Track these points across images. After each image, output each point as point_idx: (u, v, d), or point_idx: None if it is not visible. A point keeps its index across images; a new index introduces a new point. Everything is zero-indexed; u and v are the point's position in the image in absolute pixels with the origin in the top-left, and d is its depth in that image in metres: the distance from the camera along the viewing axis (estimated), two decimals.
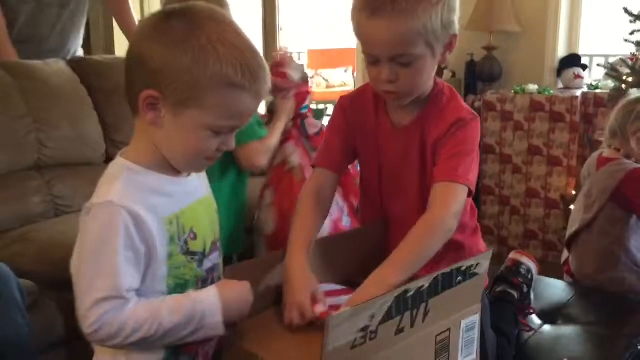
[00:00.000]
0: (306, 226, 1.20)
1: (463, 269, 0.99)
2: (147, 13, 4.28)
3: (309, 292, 1.09)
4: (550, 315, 1.55)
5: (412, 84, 1.14)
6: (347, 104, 1.28)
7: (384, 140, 1.24)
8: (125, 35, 2.81)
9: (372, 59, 1.14)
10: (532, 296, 1.51)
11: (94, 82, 2.48)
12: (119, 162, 0.98)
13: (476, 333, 1.05)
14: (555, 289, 1.72)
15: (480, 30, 3.46)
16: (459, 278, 0.99)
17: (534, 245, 3.21)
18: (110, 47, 3.74)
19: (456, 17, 1.14)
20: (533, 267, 1.66)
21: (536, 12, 3.44)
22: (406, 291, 0.91)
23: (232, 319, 1.00)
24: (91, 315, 0.90)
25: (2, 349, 1.42)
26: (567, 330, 1.47)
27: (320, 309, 1.07)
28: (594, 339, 1.42)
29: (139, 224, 0.92)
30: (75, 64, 2.51)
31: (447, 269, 0.97)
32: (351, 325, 0.87)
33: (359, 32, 1.14)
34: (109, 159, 2.48)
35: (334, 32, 6.53)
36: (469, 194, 1.14)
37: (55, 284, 1.72)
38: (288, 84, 1.81)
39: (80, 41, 2.87)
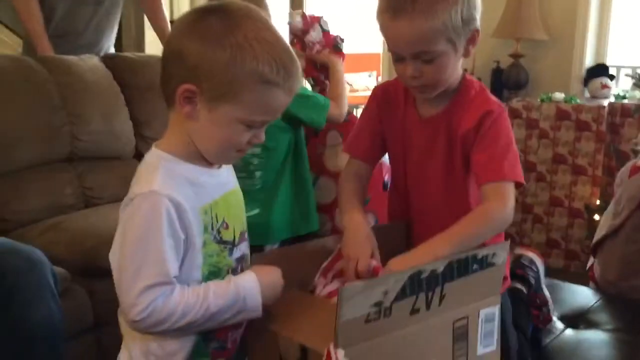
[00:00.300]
0: (357, 193, 1.28)
1: (479, 257, 0.99)
2: (176, 12, 4.34)
3: (369, 248, 1.16)
4: (573, 319, 1.56)
5: (436, 79, 1.18)
6: (380, 94, 1.33)
7: (411, 131, 1.27)
8: (157, 34, 2.87)
9: (397, 57, 1.19)
10: (545, 290, 1.49)
11: (127, 79, 2.54)
12: (155, 153, 1.02)
13: (496, 325, 1.06)
14: (578, 295, 1.73)
15: (507, 37, 3.46)
16: (475, 266, 0.99)
17: (556, 254, 3.19)
18: (141, 46, 3.81)
19: (478, 13, 1.17)
20: (535, 257, 1.64)
21: (564, 20, 3.44)
22: (420, 272, 0.93)
23: (268, 302, 1.03)
24: (140, 302, 0.92)
25: (34, 332, 1.46)
26: (589, 335, 1.48)
27: (374, 263, 1.13)
28: (616, 345, 1.43)
29: (180, 212, 0.95)
30: (109, 60, 2.57)
31: (462, 255, 0.98)
32: (365, 298, 0.88)
33: (384, 32, 1.19)
34: (138, 154, 2.53)
35: (359, 37, 6.55)
36: (520, 185, 1.18)
37: (86, 272, 1.77)
38: (317, 43, 1.87)
39: (114, 39, 2.94)
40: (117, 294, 0.96)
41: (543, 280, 1.49)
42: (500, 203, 1.15)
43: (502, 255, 1.02)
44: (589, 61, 3.47)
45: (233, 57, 0.93)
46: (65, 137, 2.26)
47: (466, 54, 1.19)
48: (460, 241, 1.11)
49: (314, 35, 1.89)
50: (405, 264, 1.05)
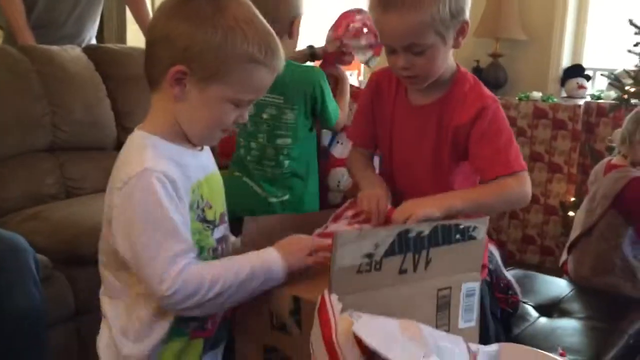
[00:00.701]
0: (368, 165, 1.41)
1: (461, 227, 1.02)
2: (157, 3, 4.33)
3: (386, 190, 1.25)
4: (547, 309, 1.60)
5: (426, 70, 1.22)
6: (373, 81, 1.38)
7: (401, 117, 1.32)
8: (139, 25, 2.86)
9: (389, 49, 1.23)
10: (506, 274, 1.49)
11: (109, 70, 2.54)
12: (139, 134, 1.03)
13: (475, 300, 1.08)
14: (552, 285, 1.77)
15: (486, 37, 3.52)
16: (457, 236, 1.02)
17: (531, 250, 3.26)
18: (122, 37, 3.79)
19: (466, 6, 1.21)
20: (490, 246, 1.67)
21: (543, 21, 3.50)
22: (407, 230, 0.97)
23: (292, 268, 1.06)
24: (167, 276, 0.93)
25: (17, 317, 1.46)
26: (562, 323, 1.52)
27: (389, 206, 1.20)
28: (588, 332, 1.47)
29: (175, 188, 0.97)
30: (91, 51, 2.56)
31: (446, 223, 1.02)
32: (357, 248, 0.92)
33: (376, 25, 1.25)
34: (119, 145, 2.51)
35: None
36: None
37: (67, 260, 1.78)
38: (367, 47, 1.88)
39: (95, 30, 2.93)
40: (142, 279, 0.96)
41: (501, 265, 1.51)
42: (519, 183, 1.21)
43: (481, 229, 1.05)
44: (566, 62, 3.54)
45: (224, 38, 0.96)
46: (46, 127, 2.25)
47: (456, 45, 1.23)
48: (475, 203, 1.18)
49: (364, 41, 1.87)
50: (419, 204, 1.13)
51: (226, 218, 1.13)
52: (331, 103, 1.72)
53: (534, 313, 1.57)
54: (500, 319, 1.41)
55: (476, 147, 1.23)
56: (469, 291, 1.07)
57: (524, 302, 1.61)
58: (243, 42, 0.97)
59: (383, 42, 1.24)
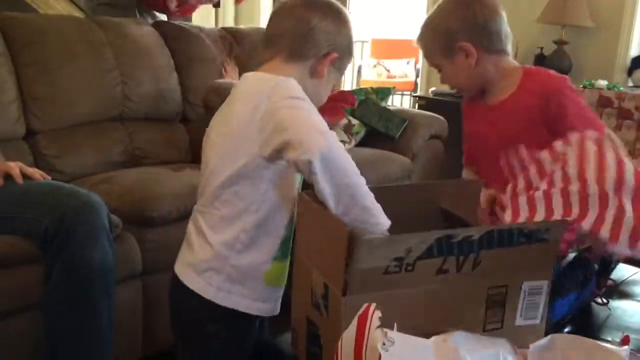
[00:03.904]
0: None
1: (527, 231, 1.02)
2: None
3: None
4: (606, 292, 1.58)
5: (453, 82, 1.58)
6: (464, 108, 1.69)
7: (480, 118, 1.59)
8: None
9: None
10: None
11: (178, 46, 2.62)
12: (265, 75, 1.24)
13: (543, 299, 1.07)
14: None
15: (552, 23, 3.45)
16: (522, 239, 1.02)
17: None
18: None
19: (456, 33, 1.48)
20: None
21: (611, 8, 3.41)
22: (450, 236, 0.96)
23: None
24: (323, 138, 1.07)
25: (91, 270, 1.55)
26: (622, 304, 1.51)
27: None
28: None
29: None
30: (161, 27, 2.66)
31: (506, 227, 1.01)
32: (385, 252, 0.93)
33: None
34: (184, 118, 2.62)
35: (398, 23, 6.55)
36: None
37: (136, 221, 1.86)
38: None
39: None
40: (299, 144, 1.06)
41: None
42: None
43: (556, 232, 1.04)
44: (634, 51, 3.45)
45: (350, 33, 1.29)
46: (117, 97, 2.35)
47: (477, 63, 1.50)
48: None
49: None
50: None
51: None
52: None
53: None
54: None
55: (552, 127, 1.45)
56: (533, 289, 1.07)
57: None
58: (351, 36, 1.30)
59: None
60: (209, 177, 1.22)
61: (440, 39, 1.50)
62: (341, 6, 1.30)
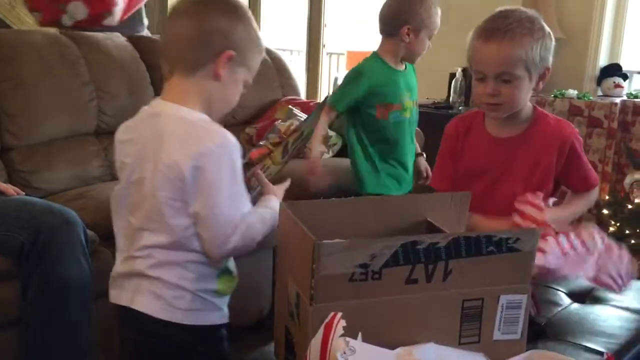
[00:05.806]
0: None
1: (495, 239, 1.00)
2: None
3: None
4: (579, 296, 1.61)
5: (510, 99, 1.44)
6: (448, 132, 1.61)
7: (480, 147, 1.55)
8: None
9: (479, 76, 1.45)
10: None
11: (152, 59, 2.62)
12: (189, 111, 1.20)
13: (522, 314, 1.06)
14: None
15: None
16: (490, 247, 1.00)
17: None
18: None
19: (551, 55, 1.44)
20: None
21: (580, 20, 3.49)
22: (415, 242, 0.95)
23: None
24: (238, 230, 1.17)
25: (67, 286, 1.54)
26: (596, 309, 1.54)
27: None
28: (623, 318, 1.48)
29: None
30: (135, 40, 2.66)
31: (473, 234, 1.00)
32: (348, 257, 0.94)
33: (473, 54, 1.46)
34: None
35: (374, 36, 6.58)
36: None
37: (112, 235, 1.84)
38: None
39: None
40: (209, 235, 1.16)
41: None
42: (597, 190, 1.61)
43: (528, 242, 1.02)
44: (602, 61, 3.52)
45: (256, 32, 1.26)
46: (92, 111, 2.35)
47: (537, 87, 1.47)
48: (573, 214, 1.53)
49: None
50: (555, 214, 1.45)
51: None
52: None
53: (566, 299, 1.59)
54: None
55: (566, 172, 1.51)
56: (511, 303, 1.05)
57: (555, 289, 1.62)
58: (259, 34, 1.27)
59: (476, 69, 1.45)
60: None
61: (537, 53, 1.40)
62: (238, 2, 1.27)
